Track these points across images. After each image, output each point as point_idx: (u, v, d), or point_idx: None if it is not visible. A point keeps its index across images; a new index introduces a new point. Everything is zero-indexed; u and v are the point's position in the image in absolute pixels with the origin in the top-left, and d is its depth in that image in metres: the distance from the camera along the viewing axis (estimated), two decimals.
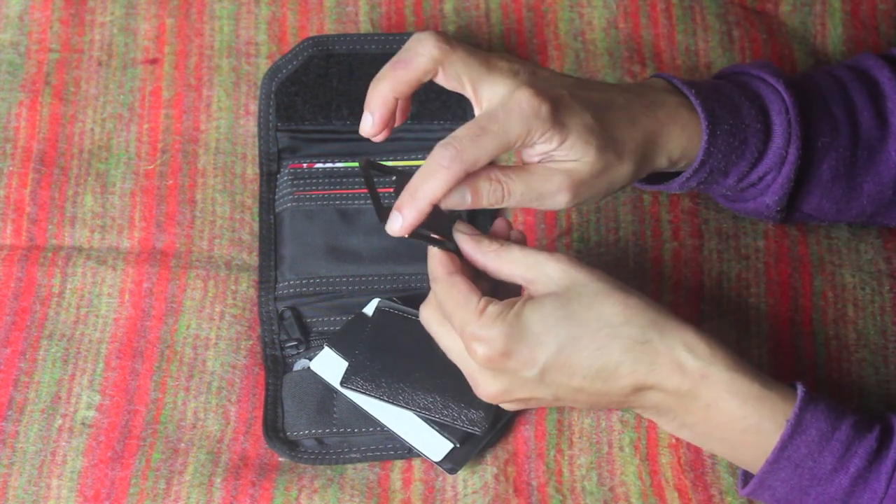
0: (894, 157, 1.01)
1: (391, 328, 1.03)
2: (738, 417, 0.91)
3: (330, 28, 1.18)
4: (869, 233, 1.11)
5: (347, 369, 1.01)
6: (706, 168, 0.99)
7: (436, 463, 1.01)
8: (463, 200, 0.93)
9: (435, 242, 0.96)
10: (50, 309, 1.08)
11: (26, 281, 1.09)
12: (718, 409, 0.91)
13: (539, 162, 0.94)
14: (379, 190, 0.95)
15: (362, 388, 1.01)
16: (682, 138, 0.98)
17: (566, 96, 0.93)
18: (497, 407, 1.00)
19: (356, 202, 1.10)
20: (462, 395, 1.00)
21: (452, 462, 1.01)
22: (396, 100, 0.94)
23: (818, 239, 1.10)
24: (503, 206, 0.94)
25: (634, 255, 1.10)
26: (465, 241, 0.95)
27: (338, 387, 1.02)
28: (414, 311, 1.03)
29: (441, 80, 0.94)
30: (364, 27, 1.18)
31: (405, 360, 1.01)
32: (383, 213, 0.93)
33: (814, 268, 1.09)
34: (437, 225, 0.96)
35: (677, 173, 1.01)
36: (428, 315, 0.96)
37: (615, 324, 0.91)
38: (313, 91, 1.13)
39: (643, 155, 0.96)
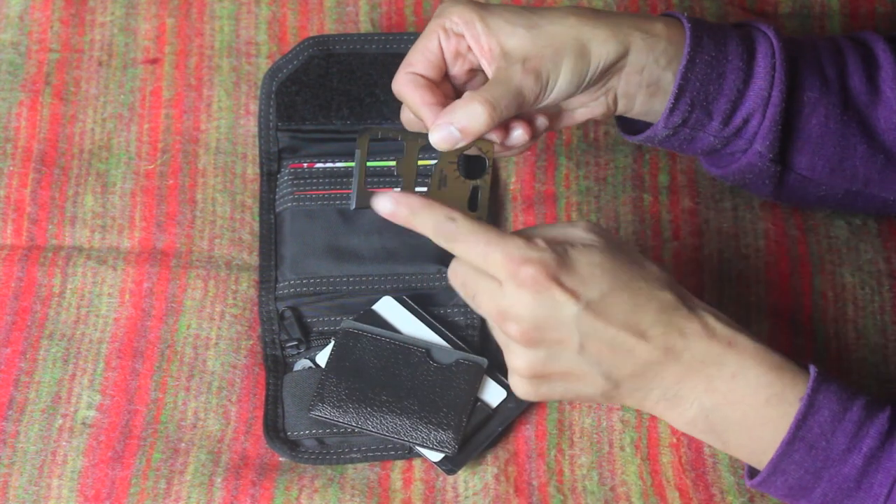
0: (883, 124, 1.01)
1: (356, 350, 1.03)
2: (763, 385, 0.90)
3: (330, 28, 1.18)
4: (869, 232, 1.11)
5: (314, 397, 1.02)
6: (686, 98, 0.98)
7: (434, 463, 1.01)
8: (451, 136, 0.95)
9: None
10: (50, 309, 1.08)
11: (26, 281, 1.09)
12: (744, 378, 0.90)
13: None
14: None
15: (330, 416, 1.01)
16: (655, 47, 0.98)
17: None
18: (465, 427, 1.01)
19: None
20: (430, 416, 1.01)
21: (452, 463, 1.01)
22: (425, 80, 0.97)
23: (818, 238, 1.10)
24: (496, 123, 0.94)
25: None
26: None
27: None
28: (379, 330, 1.04)
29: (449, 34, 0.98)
30: (364, 27, 1.18)
31: (372, 382, 1.02)
32: (363, 196, 0.93)
33: (814, 267, 1.09)
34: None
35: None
36: (458, 267, 0.93)
37: (654, 286, 0.91)
38: (314, 91, 1.13)
39: (602, 28, 0.96)
